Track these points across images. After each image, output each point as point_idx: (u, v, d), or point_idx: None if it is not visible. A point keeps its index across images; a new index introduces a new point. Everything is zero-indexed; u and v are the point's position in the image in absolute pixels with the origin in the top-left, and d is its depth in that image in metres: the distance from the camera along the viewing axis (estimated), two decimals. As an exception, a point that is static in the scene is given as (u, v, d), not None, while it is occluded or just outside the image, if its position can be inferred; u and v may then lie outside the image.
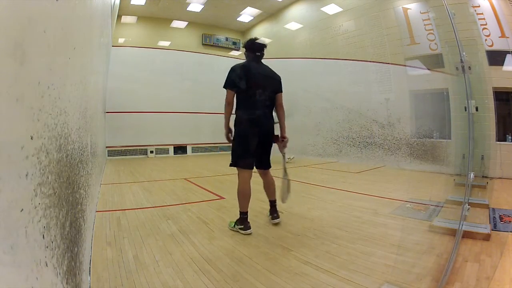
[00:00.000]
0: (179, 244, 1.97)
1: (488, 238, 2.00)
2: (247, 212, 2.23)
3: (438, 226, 2.20)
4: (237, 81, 2.23)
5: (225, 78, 2.27)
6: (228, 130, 2.33)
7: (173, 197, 3.41)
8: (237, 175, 2.29)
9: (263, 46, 2.38)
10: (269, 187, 2.42)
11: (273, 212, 2.42)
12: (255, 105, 2.27)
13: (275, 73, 2.44)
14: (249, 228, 2.18)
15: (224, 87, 2.27)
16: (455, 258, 1.65)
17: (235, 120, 2.31)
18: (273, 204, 2.44)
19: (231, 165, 2.31)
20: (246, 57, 2.44)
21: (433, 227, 2.21)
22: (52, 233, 0.70)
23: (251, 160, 2.29)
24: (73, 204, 1.05)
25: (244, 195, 2.25)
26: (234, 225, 2.25)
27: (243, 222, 2.20)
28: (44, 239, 0.63)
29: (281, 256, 1.78)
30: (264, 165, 2.39)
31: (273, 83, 2.39)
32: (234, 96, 2.26)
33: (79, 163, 1.27)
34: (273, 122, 2.41)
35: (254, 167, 2.35)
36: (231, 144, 2.36)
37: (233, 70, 2.28)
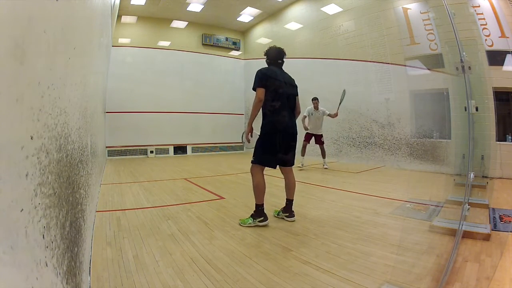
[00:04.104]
0: (179, 244, 1.97)
1: (488, 238, 2.00)
2: (263, 204, 2.36)
3: (438, 226, 2.20)
4: (269, 81, 2.35)
5: (254, 79, 2.37)
6: (251, 129, 2.45)
7: (173, 197, 3.41)
8: (252, 171, 2.40)
9: (284, 54, 2.52)
10: (290, 187, 2.54)
11: (289, 211, 2.51)
12: (283, 108, 2.40)
13: (292, 77, 2.56)
14: (267, 218, 2.34)
15: (255, 87, 2.36)
16: (455, 258, 1.65)
17: (262, 123, 2.40)
18: (290, 203, 2.52)
19: (252, 162, 2.40)
20: (267, 64, 2.54)
21: (433, 227, 2.21)
22: (52, 233, 0.70)
23: (275, 159, 2.41)
24: (73, 204, 1.05)
25: (262, 189, 2.37)
26: (252, 220, 2.33)
27: (261, 214, 2.33)
28: (44, 239, 0.63)
29: (281, 256, 1.78)
30: (288, 163, 2.51)
31: (294, 87, 2.54)
32: (264, 94, 2.33)
33: (79, 163, 1.27)
34: (296, 124, 2.55)
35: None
36: (247, 141, 2.49)
37: (261, 72, 2.38)
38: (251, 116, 2.39)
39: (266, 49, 2.55)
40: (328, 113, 5.62)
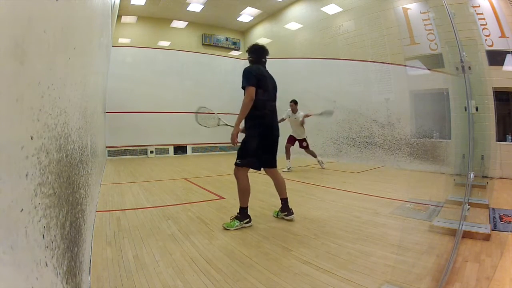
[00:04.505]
0: (179, 244, 1.97)
1: (488, 238, 2.00)
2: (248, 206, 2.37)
3: (438, 226, 2.20)
4: (260, 80, 2.31)
5: (243, 78, 2.28)
6: (239, 130, 2.36)
7: (173, 197, 3.41)
8: (238, 173, 2.34)
9: (267, 52, 2.47)
10: (281, 186, 2.51)
11: (287, 209, 2.49)
12: (270, 109, 2.39)
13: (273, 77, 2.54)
14: (251, 219, 2.35)
15: (246, 85, 2.25)
16: (455, 258, 1.65)
17: (250, 124, 2.35)
18: (286, 202, 2.50)
19: (239, 165, 2.33)
20: (250, 62, 2.45)
21: (433, 227, 2.21)
22: (52, 233, 0.70)
23: (262, 161, 2.41)
24: (73, 204, 1.05)
25: (248, 192, 2.37)
26: (239, 222, 2.28)
27: (247, 215, 2.33)
28: (44, 239, 0.63)
29: (281, 256, 1.78)
30: (274, 164, 2.50)
31: (276, 87, 2.51)
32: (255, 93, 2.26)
33: (79, 163, 1.27)
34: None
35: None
36: (233, 143, 2.36)
37: (251, 70, 2.31)
38: (240, 116, 2.25)
39: (249, 46, 2.47)
40: (302, 118, 5.21)
